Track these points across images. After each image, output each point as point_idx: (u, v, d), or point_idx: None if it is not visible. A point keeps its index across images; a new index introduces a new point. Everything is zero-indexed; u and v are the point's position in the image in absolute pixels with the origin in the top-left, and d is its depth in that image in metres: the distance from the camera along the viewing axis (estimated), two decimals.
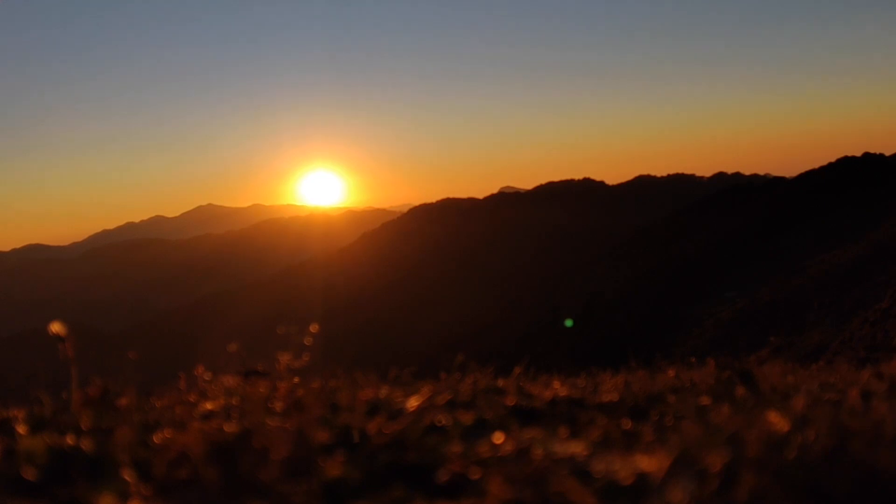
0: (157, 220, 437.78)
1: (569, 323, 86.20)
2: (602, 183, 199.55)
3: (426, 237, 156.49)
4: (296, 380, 2.23)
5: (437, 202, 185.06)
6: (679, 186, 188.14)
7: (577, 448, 1.58)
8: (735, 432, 1.40)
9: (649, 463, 1.38)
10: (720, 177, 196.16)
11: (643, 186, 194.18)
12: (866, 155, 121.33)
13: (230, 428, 1.56)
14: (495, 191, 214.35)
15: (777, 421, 1.45)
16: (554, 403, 2.22)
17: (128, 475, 1.40)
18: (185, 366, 2.64)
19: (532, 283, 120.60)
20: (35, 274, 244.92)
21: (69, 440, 1.63)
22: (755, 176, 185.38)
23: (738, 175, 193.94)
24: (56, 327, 2.07)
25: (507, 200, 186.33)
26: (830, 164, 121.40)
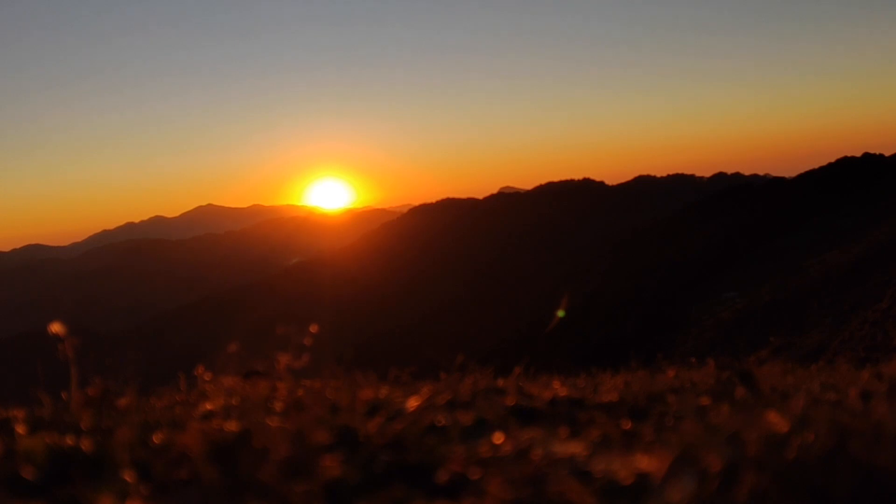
0: (157, 220, 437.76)
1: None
2: (602, 183, 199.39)
3: (426, 237, 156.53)
4: (301, 381, 2.23)
5: (437, 202, 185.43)
6: (679, 186, 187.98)
7: (577, 448, 1.58)
8: (735, 432, 1.40)
9: (649, 463, 1.38)
10: (720, 177, 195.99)
11: (643, 186, 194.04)
12: (866, 155, 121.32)
13: (230, 428, 1.56)
14: (495, 191, 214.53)
15: (777, 421, 1.45)
16: (554, 403, 2.22)
17: (128, 475, 1.40)
18: (186, 366, 2.64)
19: (532, 283, 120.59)
20: (35, 274, 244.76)
21: (69, 440, 1.63)
22: (755, 176, 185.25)
23: (738, 175, 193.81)
24: (56, 327, 2.07)
25: (507, 200, 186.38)
26: (830, 164, 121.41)
